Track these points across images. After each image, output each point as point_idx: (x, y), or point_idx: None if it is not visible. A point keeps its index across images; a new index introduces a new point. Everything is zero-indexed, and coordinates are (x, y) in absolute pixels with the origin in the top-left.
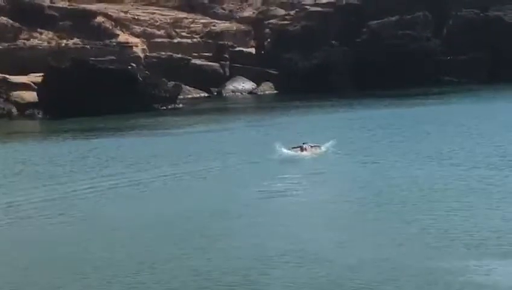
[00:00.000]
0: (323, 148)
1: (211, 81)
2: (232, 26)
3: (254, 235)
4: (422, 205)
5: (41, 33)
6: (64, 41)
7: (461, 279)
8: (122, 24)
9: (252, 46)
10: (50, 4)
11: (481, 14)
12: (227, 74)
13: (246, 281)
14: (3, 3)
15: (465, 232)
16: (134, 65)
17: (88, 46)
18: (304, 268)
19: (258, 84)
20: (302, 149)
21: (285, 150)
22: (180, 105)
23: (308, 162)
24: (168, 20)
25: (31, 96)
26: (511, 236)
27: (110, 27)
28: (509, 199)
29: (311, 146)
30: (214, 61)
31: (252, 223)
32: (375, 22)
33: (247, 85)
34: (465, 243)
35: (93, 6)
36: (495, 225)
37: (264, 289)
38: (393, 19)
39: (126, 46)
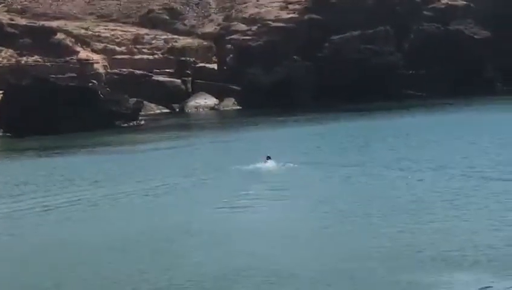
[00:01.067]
0: (284, 163)
1: (173, 97)
2: (194, 42)
3: (216, 252)
4: (388, 216)
5: (0, 50)
6: (24, 58)
7: None
8: (83, 41)
9: (214, 62)
10: (9, 21)
11: (442, 28)
12: (190, 89)
13: None
14: None
15: (432, 245)
16: (95, 82)
17: (48, 64)
18: (266, 284)
19: (221, 100)
20: (266, 162)
21: (250, 162)
22: (142, 122)
23: (271, 176)
24: (129, 37)
25: None
26: (478, 248)
27: (71, 44)
28: (477, 210)
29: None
30: (176, 78)
31: (213, 240)
32: (337, 36)
33: (210, 101)
34: (432, 256)
35: (54, 23)
36: (463, 237)
37: None
38: (356, 33)
39: (87, 63)
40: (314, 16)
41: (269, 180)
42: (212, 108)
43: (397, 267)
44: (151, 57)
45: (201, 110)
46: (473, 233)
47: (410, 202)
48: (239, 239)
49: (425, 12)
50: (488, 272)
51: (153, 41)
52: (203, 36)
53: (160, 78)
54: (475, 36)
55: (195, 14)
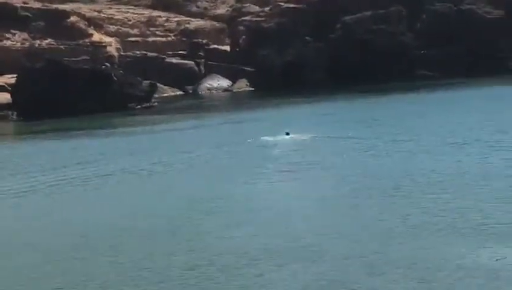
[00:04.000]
0: (304, 137)
1: (186, 79)
2: (207, 23)
3: (238, 229)
4: (402, 191)
5: (14, 34)
6: (38, 41)
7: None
8: (96, 24)
9: (226, 44)
10: (23, 5)
11: (454, 8)
12: (203, 71)
13: (236, 276)
14: None
15: (455, 219)
16: (108, 65)
17: (62, 47)
18: (293, 262)
19: (234, 82)
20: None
21: (268, 138)
22: (156, 104)
23: (290, 152)
24: (142, 19)
25: (4, 97)
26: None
27: (84, 27)
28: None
29: (291, 135)
30: (188, 59)
31: (234, 217)
32: (349, 17)
33: (223, 82)
34: (454, 230)
35: (67, 6)
36: (481, 213)
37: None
38: (368, 14)
39: (100, 46)
40: None
41: (290, 153)
42: (225, 90)
43: (419, 242)
44: (164, 39)
45: (214, 91)
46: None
47: (425, 176)
48: (261, 216)
49: None
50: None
51: (166, 24)
52: (216, 18)
53: (173, 60)
54: (487, 16)
55: None
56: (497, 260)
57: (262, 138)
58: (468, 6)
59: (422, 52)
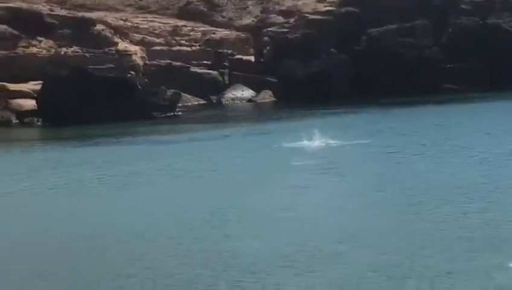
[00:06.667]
0: (329, 143)
1: (210, 89)
2: (231, 34)
3: (265, 237)
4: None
5: (40, 41)
6: (64, 49)
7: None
8: (121, 32)
9: (251, 54)
10: (49, 12)
11: (480, 22)
12: (227, 81)
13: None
14: (1, 11)
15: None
16: (133, 73)
17: (87, 54)
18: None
19: (258, 92)
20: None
21: (292, 144)
22: (180, 113)
23: (315, 158)
24: (167, 28)
25: (30, 104)
26: None
27: (109, 35)
28: None
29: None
30: (213, 69)
31: (260, 225)
32: (375, 29)
33: (247, 93)
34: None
35: (93, 14)
36: None
37: None
38: (393, 26)
39: (125, 54)
40: (351, 8)
41: (315, 160)
42: (249, 100)
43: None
44: (189, 48)
45: (238, 102)
46: None
47: (454, 188)
48: (287, 224)
49: (463, 6)
50: None
51: (191, 33)
52: (241, 28)
53: (198, 69)
54: None
55: (233, 7)
56: None
57: (286, 144)
58: (494, 21)
59: (447, 66)
